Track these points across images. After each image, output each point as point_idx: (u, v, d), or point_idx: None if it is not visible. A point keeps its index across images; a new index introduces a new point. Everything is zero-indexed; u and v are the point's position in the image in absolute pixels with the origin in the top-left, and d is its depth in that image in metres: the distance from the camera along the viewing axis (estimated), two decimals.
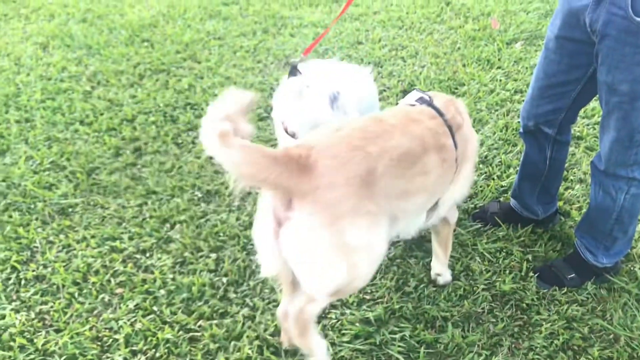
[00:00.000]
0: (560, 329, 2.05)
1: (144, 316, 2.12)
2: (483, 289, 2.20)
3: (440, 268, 2.19)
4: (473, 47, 4.07)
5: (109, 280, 2.27)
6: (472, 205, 2.63)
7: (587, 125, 3.15)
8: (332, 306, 2.13)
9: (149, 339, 2.03)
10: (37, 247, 2.45)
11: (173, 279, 2.26)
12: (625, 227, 2.07)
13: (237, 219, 2.56)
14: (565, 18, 1.85)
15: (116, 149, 3.06)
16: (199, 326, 2.08)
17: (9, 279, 2.30)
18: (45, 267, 2.35)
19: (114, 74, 3.85)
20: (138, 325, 2.08)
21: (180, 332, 2.05)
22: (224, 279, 2.26)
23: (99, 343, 2.03)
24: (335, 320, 2.08)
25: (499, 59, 3.88)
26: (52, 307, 2.17)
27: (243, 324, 2.08)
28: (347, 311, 2.11)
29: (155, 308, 2.15)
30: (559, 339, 2.01)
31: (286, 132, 2.06)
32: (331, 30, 4.39)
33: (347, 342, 2.00)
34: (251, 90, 3.56)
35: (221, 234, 2.48)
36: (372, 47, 4.14)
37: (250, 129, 1.48)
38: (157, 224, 2.54)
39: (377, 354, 1.97)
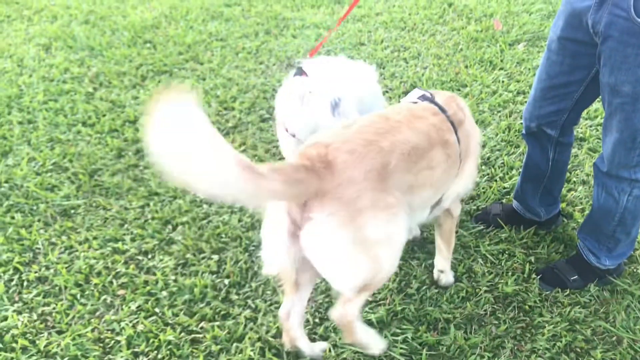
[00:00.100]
0: (563, 331, 2.04)
1: (146, 318, 2.12)
2: (485, 291, 2.19)
3: (443, 264, 2.19)
4: (475, 49, 4.06)
5: (111, 282, 2.27)
6: (475, 207, 2.63)
7: (590, 126, 3.14)
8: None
9: (151, 340, 2.03)
10: (39, 249, 2.45)
11: (175, 281, 2.27)
12: (628, 228, 2.06)
13: (239, 220, 2.56)
14: (568, 19, 1.84)
15: (118, 151, 3.07)
16: (201, 328, 2.08)
17: (12, 280, 2.30)
18: (47, 268, 2.35)
19: (116, 75, 3.85)
20: (140, 327, 2.08)
21: (182, 334, 2.05)
22: (226, 281, 2.26)
23: (101, 345, 2.03)
24: None
25: (501, 60, 3.88)
26: (54, 308, 2.17)
27: (245, 325, 2.08)
28: None
29: (157, 310, 2.15)
30: (561, 341, 2.01)
31: (286, 131, 2.08)
32: (334, 32, 4.39)
33: (349, 344, 1.99)
34: (253, 91, 3.58)
35: (223, 236, 2.48)
36: (374, 48, 4.14)
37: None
38: (159, 225, 2.55)
39: (379, 356, 1.96)
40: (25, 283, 2.29)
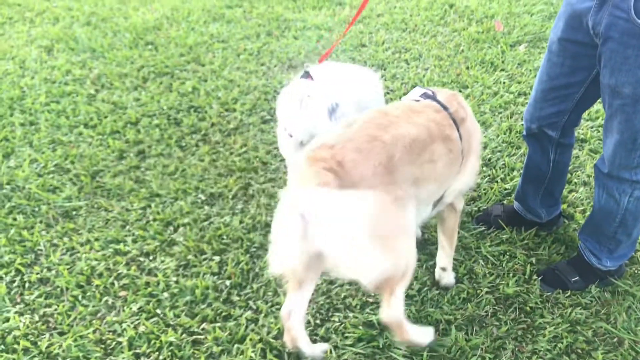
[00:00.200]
0: (564, 332, 2.04)
1: (147, 319, 2.12)
2: (486, 292, 2.19)
3: (445, 261, 2.18)
4: (477, 50, 4.06)
5: (112, 283, 2.28)
6: (476, 208, 2.63)
7: (591, 127, 3.14)
8: (336, 309, 2.14)
9: (152, 341, 2.03)
10: (41, 250, 2.46)
11: (176, 282, 2.27)
12: (629, 230, 2.06)
13: (241, 221, 2.56)
14: (568, 20, 1.85)
15: (120, 152, 3.07)
16: (202, 329, 2.08)
17: (13, 281, 2.31)
18: (49, 269, 2.36)
19: (118, 77, 3.86)
20: (141, 328, 2.08)
21: (184, 335, 2.06)
22: (227, 282, 2.26)
23: (103, 346, 2.04)
24: (339, 324, 2.08)
25: (502, 62, 3.88)
26: (56, 309, 2.17)
27: (246, 326, 2.08)
28: (350, 314, 2.11)
29: (158, 311, 2.15)
30: (562, 342, 2.01)
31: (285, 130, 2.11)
32: (335, 33, 4.40)
33: (350, 346, 2.00)
34: (254, 92, 3.59)
35: (224, 237, 2.48)
36: (375, 49, 4.14)
37: None
38: (161, 226, 2.55)
39: (380, 357, 1.96)
40: (27, 284, 2.29)
